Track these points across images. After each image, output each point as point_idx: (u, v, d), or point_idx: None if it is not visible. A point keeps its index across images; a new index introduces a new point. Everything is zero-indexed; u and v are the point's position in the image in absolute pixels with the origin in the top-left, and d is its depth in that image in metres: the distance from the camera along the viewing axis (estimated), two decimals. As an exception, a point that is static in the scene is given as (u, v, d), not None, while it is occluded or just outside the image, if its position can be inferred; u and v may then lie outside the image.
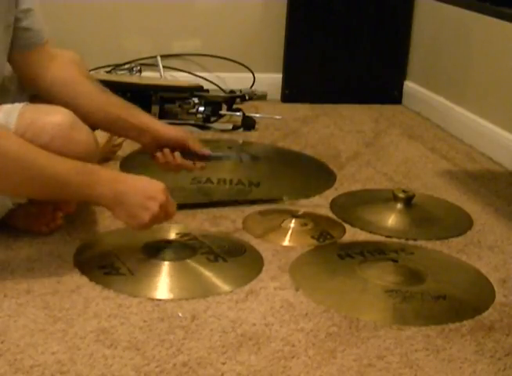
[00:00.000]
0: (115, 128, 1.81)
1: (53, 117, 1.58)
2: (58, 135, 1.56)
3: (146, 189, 1.56)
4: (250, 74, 3.08)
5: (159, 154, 1.81)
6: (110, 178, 1.55)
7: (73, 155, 1.54)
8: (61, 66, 1.76)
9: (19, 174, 1.47)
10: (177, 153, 1.81)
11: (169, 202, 1.58)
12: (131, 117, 1.76)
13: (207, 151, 1.84)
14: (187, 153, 1.82)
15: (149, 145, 1.80)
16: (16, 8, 1.66)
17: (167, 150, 1.80)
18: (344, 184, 2.23)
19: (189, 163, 1.83)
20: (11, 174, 1.46)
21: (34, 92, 1.78)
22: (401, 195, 1.98)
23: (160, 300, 1.50)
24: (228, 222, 1.90)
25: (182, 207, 1.70)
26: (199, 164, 1.85)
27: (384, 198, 2.04)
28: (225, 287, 1.57)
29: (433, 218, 1.99)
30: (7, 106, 1.61)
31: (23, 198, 1.66)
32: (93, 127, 1.72)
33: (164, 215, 1.57)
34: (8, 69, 1.74)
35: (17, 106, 1.60)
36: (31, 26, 1.71)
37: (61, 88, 1.74)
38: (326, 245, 1.80)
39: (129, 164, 2.23)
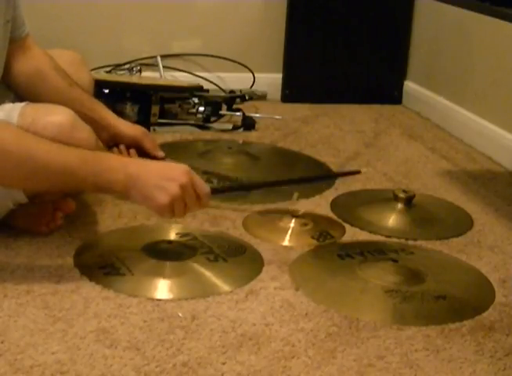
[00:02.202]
0: None
1: (54, 117, 1.58)
2: (59, 134, 1.55)
3: (162, 170, 1.47)
4: (250, 74, 3.08)
5: (115, 150, 1.83)
6: (121, 163, 1.48)
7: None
8: (30, 58, 1.76)
9: (20, 166, 1.42)
10: (132, 151, 1.83)
11: (196, 185, 1.46)
12: (91, 111, 1.76)
13: (160, 153, 1.85)
14: (143, 152, 1.84)
15: (106, 140, 1.80)
16: (15, 3, 1.66)
17: (123, 147, 1.82)
18: (344, 184, 2.23)
19: None
20: (11, 167, 1.42)
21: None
22: (401, 195, 1.98)
23: (160, 300, 1.50)
24: (228, 222, 1.90)
25: (215, 191, 1.56)
26: None
27: (385, 198, 2.04)
28: (225, 287, 1.57)
29: (433, 219, 1.99)
30: (8, 106, 1.61)
31: (34, 191, 1.61)
32: None
33: (192, 199, 1.46)
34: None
35: (18, 106, 1.60)
36: (16, 19, 1.70)
37: (27, 80, 1.74)
38: (326, 245, 1.80)
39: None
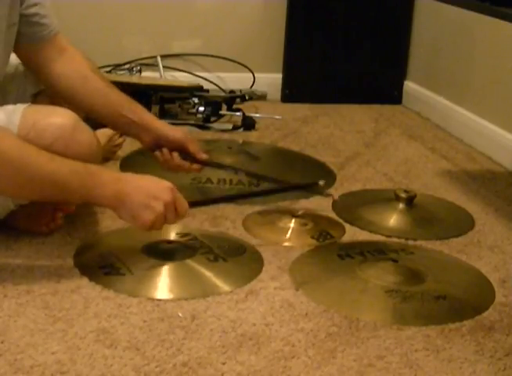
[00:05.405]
0: (117, 124, 1.84)
1: (56, 119, 1.58)
2: (60, 136, 1.56)
3: (149, 189, 1.53)
4: (250, 74, 3.09)
5: (158, 153, 1.84)
6: (112, 179, 1.52)
7: (75, 156, 1.54)
8: (70, 60, 1.76)
9: (17, 175, 1.44)
10: (175, 154, 1.83)
11: (178, 201, 1.55)
12: (133, 114, 1.78)
13: (204, 156, 1.86)
14: (186, 154, 1.84)
15: (149, 143, 1.82)
16: (21, 6, 1.66)
17: (165, 150, 1.83)
18: (344, 184, 2.23)
19: (186, 164, 1.86)
20: (9, 175, 1.44)
21: (42, 86, 1.79)
22: (403, 195, 1.98)
23: (160, 300, 1.50)
24: (228, 222, 1.90)
25: (193, 204, 1.67)
26: (195, 166, 1.88)
27: (385, 198, 2.04)
28: (225, 287, 1.57)
29: (433, 219, 1.99)
30: (9, 107, 1.61)
31: (25, 200, 1.65)
32: (95, 122, 1.74)
33: (172, 215, 1.54)
34: (9, 69, 1.74)
35: (20, 107, 1.60)
36: (39, 20, 1.70)
37: (68, 83, 1.75)
38: (326, 245, 1.80)
39: (129, 164, 2.23)
